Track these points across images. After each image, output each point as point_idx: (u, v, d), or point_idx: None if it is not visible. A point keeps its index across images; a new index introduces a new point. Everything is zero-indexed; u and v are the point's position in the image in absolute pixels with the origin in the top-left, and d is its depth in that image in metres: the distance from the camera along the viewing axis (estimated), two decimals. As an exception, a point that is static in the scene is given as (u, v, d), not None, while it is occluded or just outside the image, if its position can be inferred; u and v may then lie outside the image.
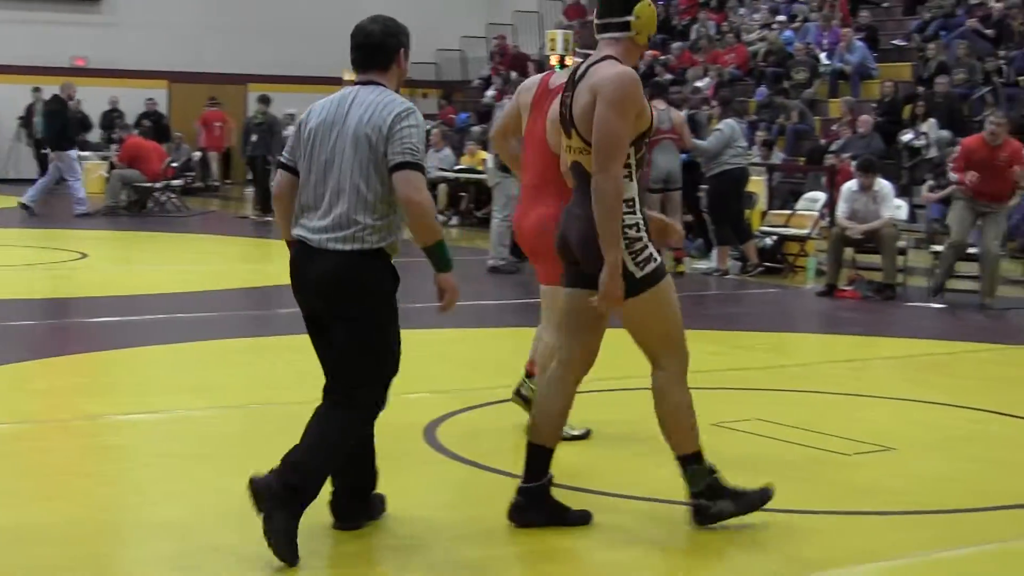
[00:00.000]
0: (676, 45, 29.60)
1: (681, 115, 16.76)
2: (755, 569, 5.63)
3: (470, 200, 24.36)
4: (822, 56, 26.42)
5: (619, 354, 6.87)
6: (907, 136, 21.93)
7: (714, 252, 16.80)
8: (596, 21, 6.11)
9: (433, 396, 8.93)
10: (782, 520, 6.26)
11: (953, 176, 14.36)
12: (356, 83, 5.78)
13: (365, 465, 5.96)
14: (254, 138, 24.65)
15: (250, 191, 26.31)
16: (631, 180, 5.87)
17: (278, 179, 5.84)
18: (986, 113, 22.46)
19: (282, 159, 5.84)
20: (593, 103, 5.81)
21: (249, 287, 15.25)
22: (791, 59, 26.43)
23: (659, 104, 16.02)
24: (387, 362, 5.69)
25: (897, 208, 15.29)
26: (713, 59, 27.70)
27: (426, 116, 34.09)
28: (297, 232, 5.68)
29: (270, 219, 24.30)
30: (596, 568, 5.70)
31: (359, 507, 5.96)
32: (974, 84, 23.35)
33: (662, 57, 28.73)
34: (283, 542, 5.37)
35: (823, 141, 22.81)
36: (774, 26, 28.47)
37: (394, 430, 7.91)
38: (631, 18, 5.99)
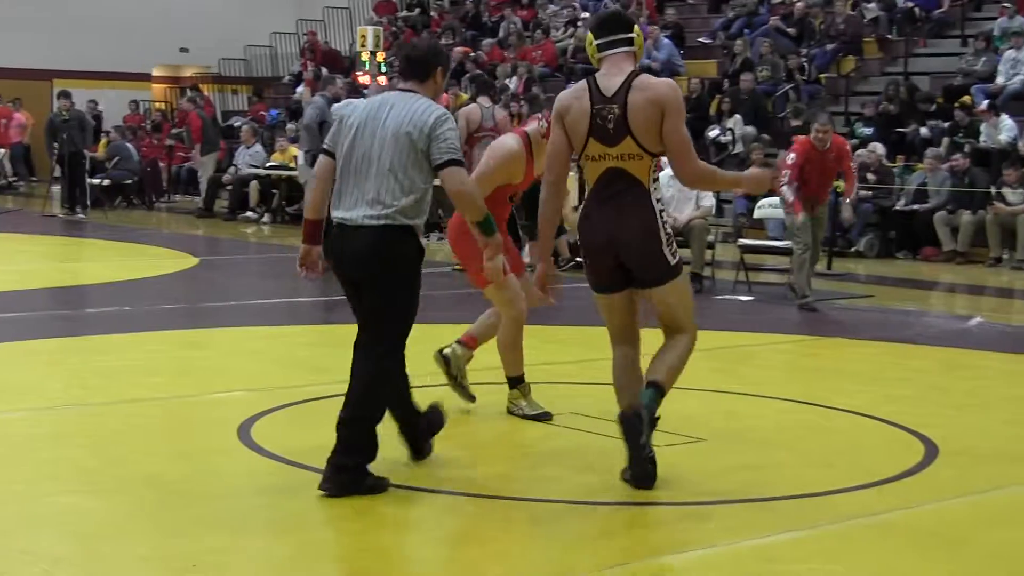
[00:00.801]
0: (486, 42, 29.70)
1: (504, 113, 16.84)
2: (560, 558, 5.69)
3: (282, 197, 24.18)
4: (630, 53, 26.72)
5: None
6: (714, 132, 22.33)
7: (527, 247, 16.89)
8: (600, 40, 6.80)
9: (247, 394, 8.87)
10: (592, 511, 6.35)
11: (788, 194, 14.14)
12: (397, 89, 6.71)
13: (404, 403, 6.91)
14: (64, 136, 24.04)
15: (57, 189, 25.74)
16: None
17: (321, 162, 6.68)
18: (788, 110, 23.01)
19: (325, 146, 6.69)
20: (658, 114, 6.66)
21: (57, 287, 14.96)
22: (599, 56, 26.66)
23: (484, 101, 16.09)
24: (409, 315, 6.58)
25: (705, 200, 15.52)
26: (522, 56, 27.85)
27: (236, 113, 34.04)
28: (338, 215, 6.53)
29: (82, 217, 23.89)
30: (410, 563, 5.72)
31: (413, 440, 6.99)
32: (777, 81, 23.86)
33: (472, 54, 28.84)
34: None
35: (632, 137, 23.06)
36: (581, 23, 28.71)
37: (208, 428, 7.88)
38: (633, 34, 6.86)
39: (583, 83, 6.88)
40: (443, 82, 6.81)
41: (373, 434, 6.54)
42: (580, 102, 6.78)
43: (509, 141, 8.19)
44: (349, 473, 6.42)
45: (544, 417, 8.24)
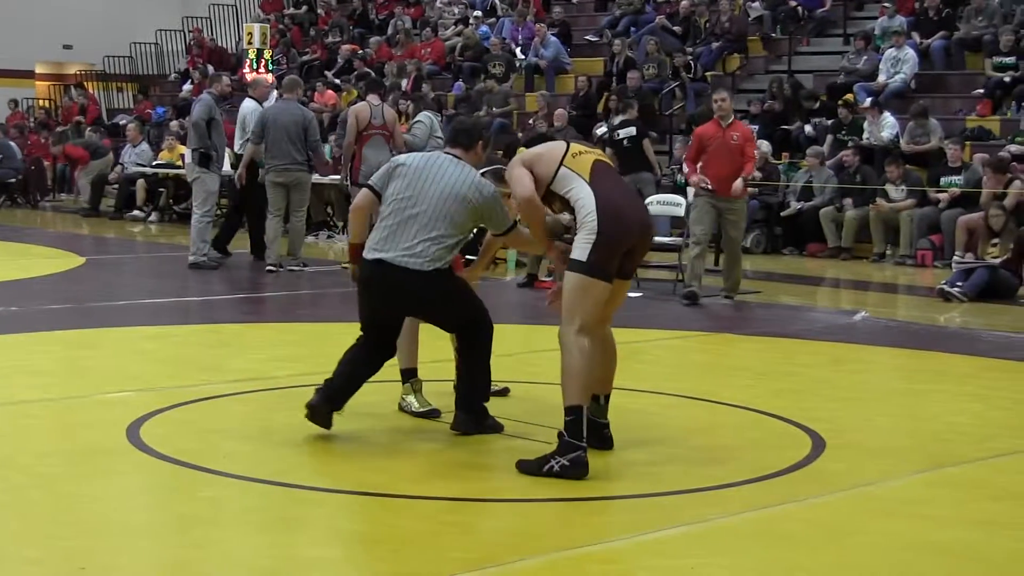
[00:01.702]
0: (374, 39, 29.63)
1: (393, 111, 16.83)
2: (452, 556, 5.70)
3: (169, 195, 23.96)
4: (518, 51, 26.83)
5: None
6: (601, 129, 22.42)
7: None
8: None
9: (136, 394, 8.80)
10: (482, 508, 6.38)
11: (689, 178, 14.26)
12: (444, 151, 7.89)
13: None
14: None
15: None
16: None
17: (364, 196, 7.77)
18: (677, 107, 23.21)
19: (372, 184, 7.77)
20: None
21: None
22: (488, 54, 26.75)
23: (373, 100, 16.06)
24: (468, 303, 7.86)
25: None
26: (410, 54, 27.82)
27: (121, 110, 33.64)
28: (375, 255, 7.52)
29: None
30: (305, 563, 5.71)
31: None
32: (664, 79, 24.03)
33: (360, 51, 28.77)
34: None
35: (520, 135, 23.13)
36: (472, 21, 28.77)
37: (97, 429, 7.80)
38: None
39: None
40: (484, 154, 8.03)
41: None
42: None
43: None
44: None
45: (433, 414, 8.25)
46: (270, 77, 25.03)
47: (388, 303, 7.65)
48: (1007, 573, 5.81)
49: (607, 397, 7.53)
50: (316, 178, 17.33)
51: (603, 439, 7.47)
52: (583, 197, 7.09)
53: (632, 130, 19.12)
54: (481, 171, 8.17)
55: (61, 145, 27.38)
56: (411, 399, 8.32)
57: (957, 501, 6.81)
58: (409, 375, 8.37)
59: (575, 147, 7.35)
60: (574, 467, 6.83)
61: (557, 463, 6.83)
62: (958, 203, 17.96)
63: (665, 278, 15.20)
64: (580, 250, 7.04)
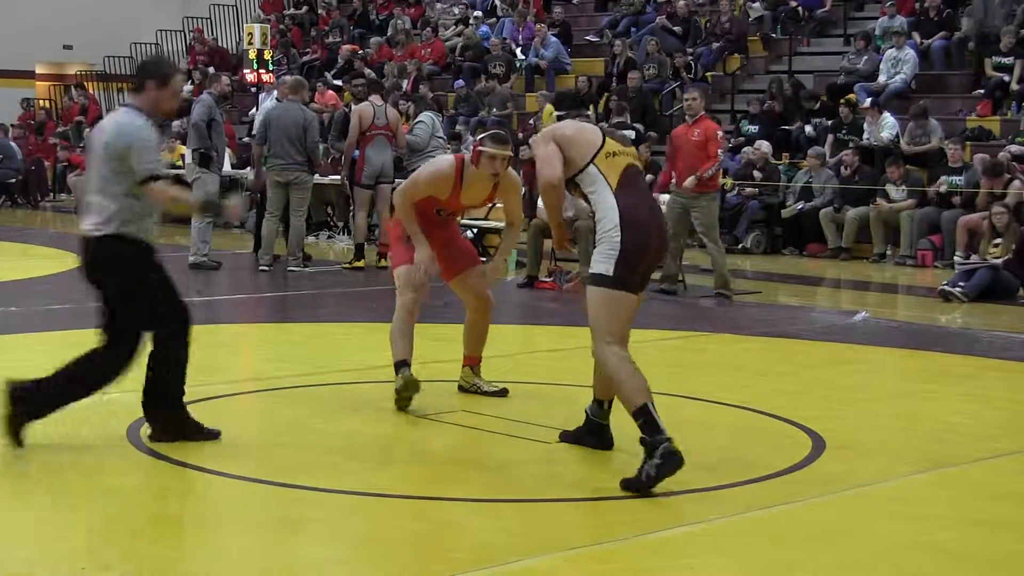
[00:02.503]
0: (374, 40, 29.63)
1: (396, 112, 16.82)
2: (446, 555, 5.70)
3: (169, 196, 23.92)
4: (518, 51, 26.83)
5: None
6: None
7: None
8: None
9: (136, 394, 8.77)
10: (482, 509, 6.38)
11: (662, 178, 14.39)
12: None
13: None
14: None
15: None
16: None
17: None
18: (677, 107, 23.22)
19: None
20: None
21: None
22: (488, 54, 26.75)
23: (376, 100, 16.07)
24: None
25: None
26: (410, 54, 27.81)
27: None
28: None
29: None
30: (304, 563, 5.71)
31: None
32: (664, 79, 24.03)
33: (360, 52, 28.76)
34: None
35: (520, 135, 23.14)
36: (472, 22, 28.76)
37: (96, 431, 7.79)
38: None
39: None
40: (156, 94, 7.28)
41: None
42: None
43: (442, 163, 8.64)
44: None
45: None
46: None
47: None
48: (1007, 573, 5.81)
49: (611, 402, 7.50)
50: (316, 178, 17.33)
51: (604, 439, 7.48)
52: (606, 208, 6.97)
53: (632, 134, 19.14)
54: (479, 136, 8.32)
55: (69, 152, 27.32)
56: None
57: (956, 501, 6.81)
58: (401, 365, 8.41)
59: (610, 145, 7.11)
60: (667, 462, 6.66)
61: (652, 467, 6.67)
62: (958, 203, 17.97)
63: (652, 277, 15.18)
64: (603, 264, 6.93)
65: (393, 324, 8.49)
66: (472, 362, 8.97)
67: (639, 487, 6.64)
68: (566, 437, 7.62)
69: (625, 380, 6.90)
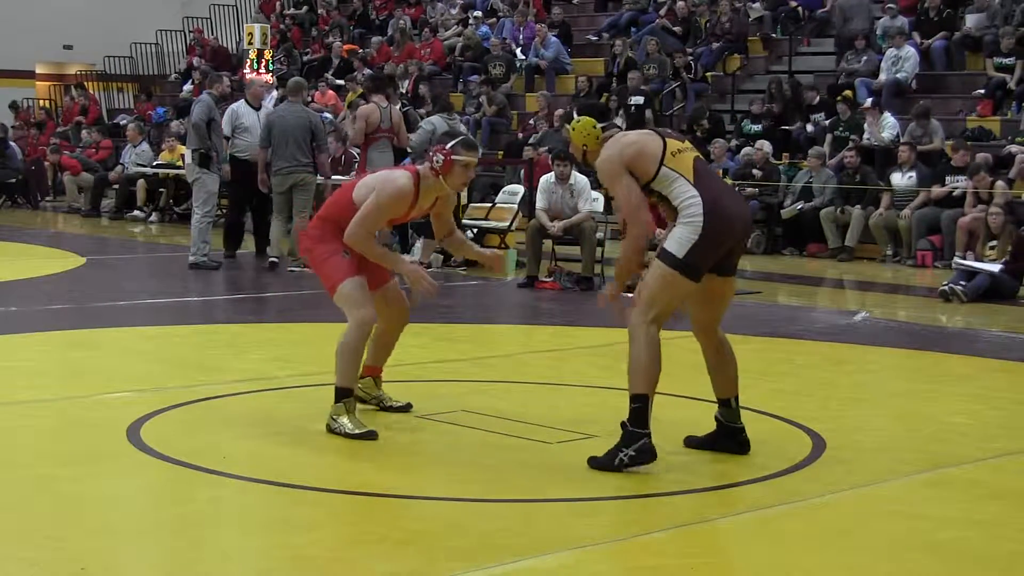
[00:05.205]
0: (375, 40, 29.64)
1: (399, 113, 16.81)
2: (447, 555, 5.70)
3: (169, 196, 23.99)
4: (518, 51, 26.84)
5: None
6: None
7: (417, 245, 16.91)
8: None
9: (136, 394, 8.79)
10: (482, 508, 6.38)
11: None
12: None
13: None
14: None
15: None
16: None
17: None
18: (677, 107, 23.22)
19: None
20: None
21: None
22: (488, 54, 26.76)
23: (380, 101, 16.05)
24: None
25: (594, 200, 15.64)
26: (410, 54, 27.82)
27: (121, 111, 33.63)
28: None
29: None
30: (303, 562, 5.72)
31: None
32: (664, 79, 24.04)
33: (360, 51, 28.77)
34: None
35: (520, 135, 23.17)
36: (472, 22, 28.78)
37: (97, 429, 7.80)
38: None
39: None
40: None
41: None
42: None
43: (400, 180, 7.76)
44: None
45: (369, 436, 7.59)
46: (268, 78, 25.02)
47: None
48: (1007, 573, 5.80)
49: (736, 399, 7.59)
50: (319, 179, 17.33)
51: (740, 443, 7.53)
52: (690, 198, 7.00)
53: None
54: (450, 144, 7.63)
55: (59, 155, 27.24)
56: (344, 419, 7.69)
57: (957, 501, 6.80)
58: (344, 393, 7.74)
59: (672, 144, 7.12)
60: (640, 455, 6.91)
61: (624, 454, 6.92)
62: (959, 203, 17.95)
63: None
64: (677, 244, 6.98)
65: (346, 341, 7.75)
66: (374, 372, 8.36)
67: (606, 468, 6.93)
68: (691, 442, 7.66)
69: (644, 363, 7.01)
